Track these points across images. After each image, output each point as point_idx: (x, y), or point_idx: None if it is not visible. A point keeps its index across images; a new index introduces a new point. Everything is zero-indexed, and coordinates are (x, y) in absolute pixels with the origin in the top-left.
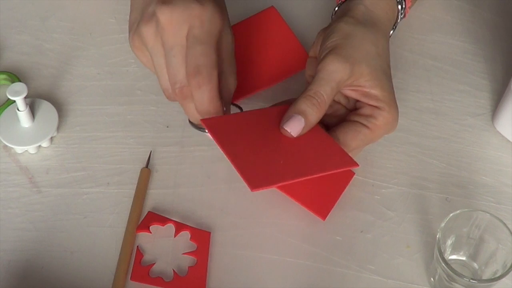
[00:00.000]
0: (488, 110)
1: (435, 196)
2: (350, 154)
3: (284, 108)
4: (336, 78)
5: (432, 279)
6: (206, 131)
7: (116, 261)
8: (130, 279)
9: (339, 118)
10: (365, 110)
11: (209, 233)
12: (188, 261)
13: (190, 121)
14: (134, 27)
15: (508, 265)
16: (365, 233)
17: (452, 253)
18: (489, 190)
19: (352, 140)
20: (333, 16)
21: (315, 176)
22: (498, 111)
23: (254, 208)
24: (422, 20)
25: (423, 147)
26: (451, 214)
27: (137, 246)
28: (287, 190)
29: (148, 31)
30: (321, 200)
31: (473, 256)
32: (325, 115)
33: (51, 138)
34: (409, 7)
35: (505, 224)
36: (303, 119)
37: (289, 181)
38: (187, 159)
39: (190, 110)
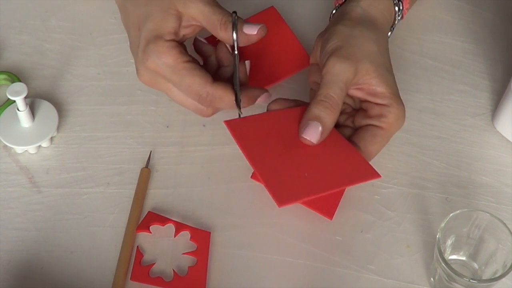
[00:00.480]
0: (488, 110)
1: (435, 196)
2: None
3: (302, 110)
4: (342, 78)
5: (432, 279)
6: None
7: (116, 261)
8: (130, 279)
9: (348, 115)
10: (374, 111)
11: (209, 233)
12: (188, 261)
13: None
14: (136, 62)
15: (508, 265)
16: (365, 233)
17: (452, 253)
18: (489, 190)
19: (372, 144)
20: (330, 19)
21: (339, 189)
22: (498, 111)
23: (254, 208)
24: (422, 20)
25: (423, 147)
26: (451, 214)
27: (137, 246)
28: None
29: (145, 78)
30: (325, 200)
31: (473, 256)
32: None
33: (51, 138)
34: (407, 9)
35: (505, 224)
36: (319, 124)
37: (314, 196)
38: (187, 159)
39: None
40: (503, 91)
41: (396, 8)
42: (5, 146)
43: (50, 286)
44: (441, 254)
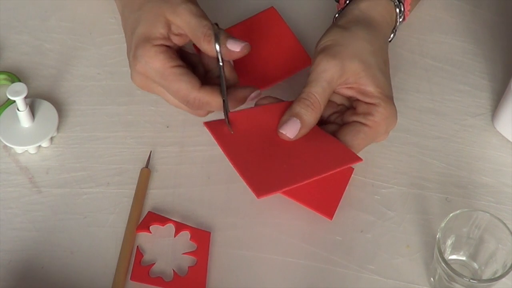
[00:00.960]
0: (488, 110)
1: (435, 196)
2: None
3: (284, 105)
4: (326, 77)
5: (432, 279)
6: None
7: (116, 261)
8: (130, 279)
9: (340, 113)
10: (361, 108)
11: (209, 233)
12: (188, 261)
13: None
14: (129, 66)
15: (508, 265)
16: (365, 233)
17: (452, 253)
18: (489, 190)
19: (353, 140)
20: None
21: (320, 177)
22: (498, 111)
23: (254, 208)
24: (422, 20)
25: (423, 147)
26: (451, 214)
27: (137, 246)
28: (291, 194)
29: (138, 82)
30: (325, 200)
31: (473, 256)
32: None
33: (51, 138)
34: (409, 11)
35: (505, 224)
36: (298, 121)
37: (294, 185)
38: (187, 159)
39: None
40: (503, 91)
41: (397, 10)
42: (5, 146)
43: (50, 286)
44: (441, 254)
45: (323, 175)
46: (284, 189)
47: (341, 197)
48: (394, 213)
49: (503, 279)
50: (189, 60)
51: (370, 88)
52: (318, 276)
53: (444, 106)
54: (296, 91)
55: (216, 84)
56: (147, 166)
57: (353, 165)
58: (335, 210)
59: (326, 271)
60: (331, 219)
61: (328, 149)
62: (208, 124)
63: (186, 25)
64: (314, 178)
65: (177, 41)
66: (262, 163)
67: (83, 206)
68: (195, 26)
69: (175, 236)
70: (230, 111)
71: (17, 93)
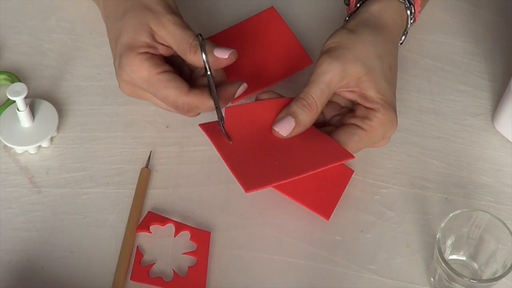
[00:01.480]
0: (488, 110)
1: (435, 196)
2: None
3: (283, 101)
4: (325, 79)
5: (432, 279)
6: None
7: (116, 261)
8: (130, 279)
9: (342, 116)
10: (360, 112)
11: (209, 233)
12: (188, 261)
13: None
14: (116, 75)
15: (508, 265)
16: (365, 233)
17: (452, 253)
18: (489, 190)
19: (347, 142)
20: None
21: (310, 173)
22: (498, 111)
23: (254, 208)
24: (422, 20)
25: (423, 147)
26: (451, 214)
27: (137, 246)
28: (289, 192)
29: (126, 90)
30: (323, 200)
31: (473, 256)
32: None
33: (51, 138)
34: (419, 12)
35: (505, 224)
36: (293, 120)
37: (283, 181)
38: (187, 159)
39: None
40: (503, 91)
41: (408, 12)
42: (5, 146)
43: (50, 286)
44: (441, 254)
45: (314, 172)
46: (272, 185)
47: (339, 198)
48: (394, 213)
49: (503, 279)
50: (173, 61)
51: (371, 93)
52: (318, 276)
53: (444, 106)
54: (296, 91)
55: (204, 85)
56: (147, 166)
57: (353, 165)
58: (333, 211)
59: (326, 271)
60: (328, 220)
61: (321, 146)
62: (204, 126)
63: (171, 37)
64: (304, 175)
65: (162, 51)
66: (254, 158)
67: (83, 206)
68: (180, 37)
69: (175, 236)
70: (226, 106)
71: (17, 93)
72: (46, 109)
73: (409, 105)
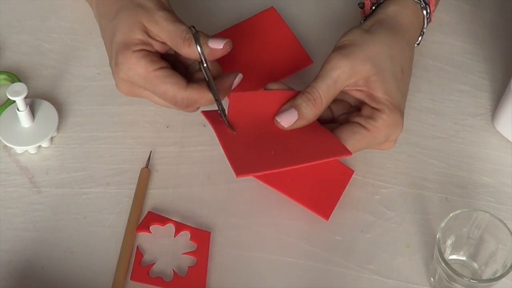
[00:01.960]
0: (488, 110)
1: (435, 196)
2: None
3: (289, 93)
4: (333, 75)
5: (432, 279)
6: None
7: (116, 261)
8: (130, 279)
9: (349, 115)
10: (366, 111)
11: (209, 233)
12: (188, 261)
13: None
14: (112, 75)
15: (508, 265)
16: (365, 233)
17: (452, 253)
18: (489, 190)
19: (348, 139)
20: None
21: (304, 165)
22: (498, 111)
23: (254, 208)
24: None
25: (423, 147)
26: (451, 214)
27: (137, 246)
28: (289, 192)
29: (123, 89)
30: (323, 200)
31: (473, 256)
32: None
33: (51, 138)
34: (433, 11)
35: (505, 224)
36: (296, 113)
37: (275, 170)
38: (187, 159)
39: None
40: (503, 91)
41: (424, 12)
42: (5, 146)
43: (50, 286)
44: (441, 254)
45: (308, 164)
46: (264, 172)
47: (339, 199)
48: (394, 213)
49: (503, 279)
50: (166, 60)
51: (378, 93)
52: (318, 276)
53: (444, 106)
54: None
55: (200, 79)
56: (147, 166)
57: (353, 165)
58: (332, 211)
59: (326, 271)
60: (327, 220)
61: (320, 141)
62: (206, 113)
63: (164, 32)
64: (298, 166)
65: (157, 47)
66: (250, 145)
67: (83, 206)
68: (173, 32)
69: (175, 236)
70: (231, 93)
71: (17, 93)
72: (46, 109)
73: (409, 105)
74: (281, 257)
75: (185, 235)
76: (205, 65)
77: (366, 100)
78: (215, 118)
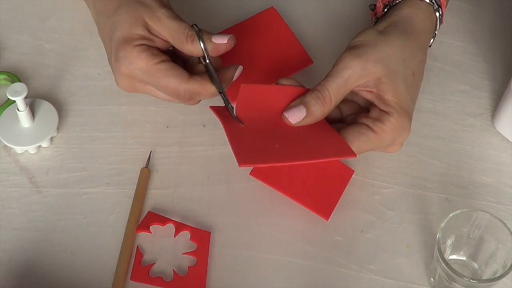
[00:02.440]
0: (488, 110)
1: (435, 196)
2: None
3: (300, 90)
4: (344, 75)
5: (432, 279)
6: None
7: (116, 261)
8: (130, 279)
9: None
10: (374, 113)
11: (209, 233)
12: (188, 261)
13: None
14: (112, 71)
15: (508, 265)
16: (365, 233)
17: (452, 253)
18: (489, 190)
19: (354, 141)
20: None
21: (307, 162)
22: (498, 111)
23: (254, 208)
24: None
25: (423, 147)
26: (451, 214)
27: (137, 246)
28: (289, 193)
29: (123, 85)
30: (323, 200)
31: (473, 256)
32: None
33: (51, 138)
34: (444, 13)
35: (505, 224)
36: (304, 110)
37: (278, 163)
38: (187, 159)
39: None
40: (503, 91)
41: (437, 14)
42: (5, 146)
43: (50, 286)
44: (441, 254)
45: (311, 162)
46: (266, 165)
47: (339, 199)
48: (394, 213)
49: (503, 279)
50: (166, 54)
51: (388, 96)
52: (318, 276)
53: (444, 106)
54: None
55: (201, 71)
56: (147, 166)
57: (353, 165)
58: (332, 211)
59: (326, 271)
60: (327, 220)
61: (325, 139)
62: (214, 108)
63: (166, 30)
64: (301, 162)
65: (159, 44)
66: (256, 137)
67: (83, 206)
68: (175, 29)
69: (175, 236)
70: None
71: (17, 93)
72: (46, 109)
73: None
74: (281, 257)
75: (185, 235)
76: (207, 61)
77: (375, 101)
78: (222, 112)
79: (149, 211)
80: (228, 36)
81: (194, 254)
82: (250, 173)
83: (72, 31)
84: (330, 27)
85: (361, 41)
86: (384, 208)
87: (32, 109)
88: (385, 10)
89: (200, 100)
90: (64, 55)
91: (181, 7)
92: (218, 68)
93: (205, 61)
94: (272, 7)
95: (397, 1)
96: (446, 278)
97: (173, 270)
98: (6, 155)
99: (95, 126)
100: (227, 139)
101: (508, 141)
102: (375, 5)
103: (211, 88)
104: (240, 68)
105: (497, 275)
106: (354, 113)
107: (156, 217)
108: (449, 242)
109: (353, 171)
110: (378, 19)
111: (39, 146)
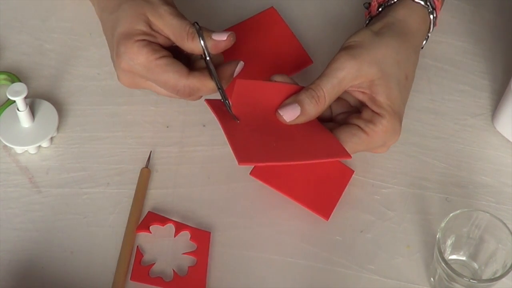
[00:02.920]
0: (488, 110)
1: (435, 196)
2: None
3: (294, 88)
4: (339, 75)
5: (432, 279)
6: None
7: (116, 261)
8: (130, 279)
9: (349, 114)
10: (366, 115)
11: (209, 233)
12: (188, 261)
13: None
14: (114, 67)
15: (508, 265)
16: (365, 233)
17: (452, 253)
18: (489, 190)
19: (346, 141)
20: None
21: (305, 162)
22: (498, 111)
23: (254, 208)
24: None
25: (423, 147)
26: (451, 214)
27: (137, 246)
28: (289, 193)
29: (124, 80)
30: (323, 200)
31: (473, 256)
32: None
33: (51, 138)
34: (438, 16)
35: (505, 224)
36: (299, 108)
37: (277, 163)
38: (187, 159)
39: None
40: (503, 91)
41: (431, 17)
42: (5, 146)
43: (50, 286)
44: (441, 254)
45: (309, 162)
46: (266, 164)
47: (339, 199)
48: (394, 213)
49: (503, 279)
50: (168, 50)
51: (381, 98)
52: (318, 276)
53: (444, 106)
54: None
55: (202, 67)
56: (147, 166)
57: (353, 165)
58: (332, 211)
59: (326, 271)
60: (328, 220)
61: (321, 140)
62: (210, 102)
63: (168, 27)
64: (299, 162)
65: (160, 41)
66: (254, 135)
67: (83, 206)
68: (177, 26)
69: (175, 236)
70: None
71: (17, 93)
72: (46, 109)
73: (409, 105)
74: (281, 257)
75: (185, 235)
76: (208, 58)
77: (368, 103)
78: (218, 106)
79: (149, 211)
80: (228, 33)
81: (194, 254)
82: (250, 173)
83: (72, 31)
84: (330, 27)
85: (356, 41)
86: (384, 208)
87: (32, 109)
88: (379, 9)
89: (201, 96)
90: (64, 55)
91: (181, 7)
92: (220, 64)
93: (205, 58)
94: (272, 7)
95: (392, 2)
96: (446, 278)
97: (173, 270)
98: (6, 155)
99: (95, 126)
100: (225, 138)
101: (508, 141)
102: (369, 3)
103: (210, 84)
104: (241, 63)
105: (497, 275)
106: (345, 112)
107: (156, 217)
108: (449, 242)
109: (353, 171)
110: (372, 18)
111: (39, 146)
